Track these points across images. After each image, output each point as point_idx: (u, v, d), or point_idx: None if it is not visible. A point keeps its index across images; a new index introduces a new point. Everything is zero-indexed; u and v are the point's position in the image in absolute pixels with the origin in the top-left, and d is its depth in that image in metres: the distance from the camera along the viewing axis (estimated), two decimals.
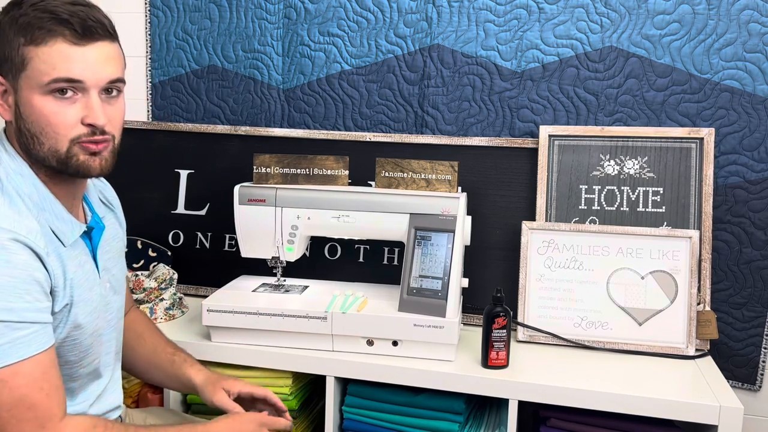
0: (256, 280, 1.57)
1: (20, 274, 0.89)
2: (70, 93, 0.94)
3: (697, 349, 1.41)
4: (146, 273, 1.59)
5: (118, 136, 1.02)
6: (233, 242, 1.74)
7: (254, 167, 1.49)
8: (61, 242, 0.99)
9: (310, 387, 1.50)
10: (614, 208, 1.54)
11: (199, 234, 1.77)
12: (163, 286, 1.58)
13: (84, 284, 1.02)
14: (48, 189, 0.99)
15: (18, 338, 0.89)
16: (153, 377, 1.29)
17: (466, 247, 1.42)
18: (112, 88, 0.99)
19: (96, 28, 0.94)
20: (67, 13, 0.92)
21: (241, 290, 1.50)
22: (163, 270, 1.59)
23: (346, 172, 1.49)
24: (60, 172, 0.98)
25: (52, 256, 0.95)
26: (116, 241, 1.17)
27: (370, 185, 1.63)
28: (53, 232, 0.97)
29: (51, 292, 0.95)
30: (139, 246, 1.74)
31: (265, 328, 1.38)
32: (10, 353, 0.88)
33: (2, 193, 0.93)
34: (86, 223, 1.08)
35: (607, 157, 1.55)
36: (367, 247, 1.68)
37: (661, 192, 1.52)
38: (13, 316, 0.88)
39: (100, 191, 1.19)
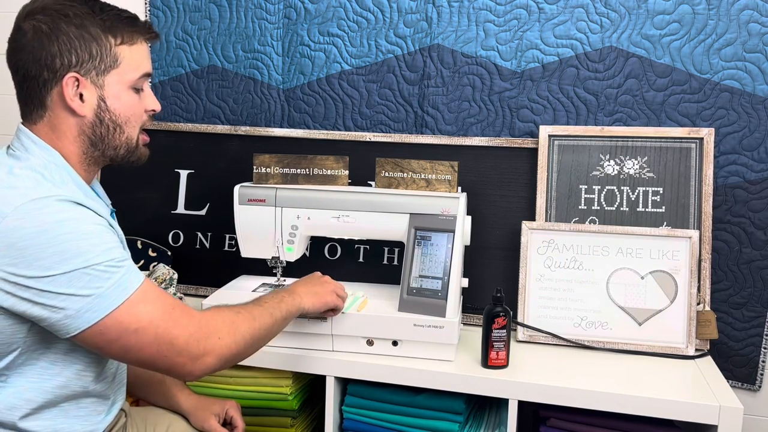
0: (256, 280, 1.57)
1: (99, 221, 0.96)
2: (142, 87, 1.08)
3: (696, 349, 1.41)
4: (146, 273, 1.59)
5: None
6: (233, 242, 1.74)
7: (254, 167, 1.50)
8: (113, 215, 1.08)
9: (310, 387, 1.50)
10: (614, 208, 1.54)
11: (199, 234, 1.77)
12: (163, 286, 1.58)
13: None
14: (80, 176, 1.05)
15: (126, 271, 0.95)
16: (139, 392, 1.32)
17: (466, 247, 1.42)
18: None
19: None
20: (136, 17, 1.07)
21: (241, 290, 1.50)
22: (163, 270, 1.59)
23: (346, 172, 1.49)
24: (114, 160, 1.08)
25: (108, 219, 1.01)
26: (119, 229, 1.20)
27: (370, 185, 1.63)
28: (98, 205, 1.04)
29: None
30: (139, 246, 1.74)
31: None
32: (131, 284, 0.95)
33: (45, 179, 0.97)
34: None
35: (607, 157, 1.55)
36: (367, 247, 1.68)
37: (661, 192, 1.52)
38: (116, 254, 0.95)
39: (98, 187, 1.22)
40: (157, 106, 1.11)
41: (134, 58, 1.05)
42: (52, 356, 0.99)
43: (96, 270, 0.91)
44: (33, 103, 1.02)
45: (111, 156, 1.08)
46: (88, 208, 0.96)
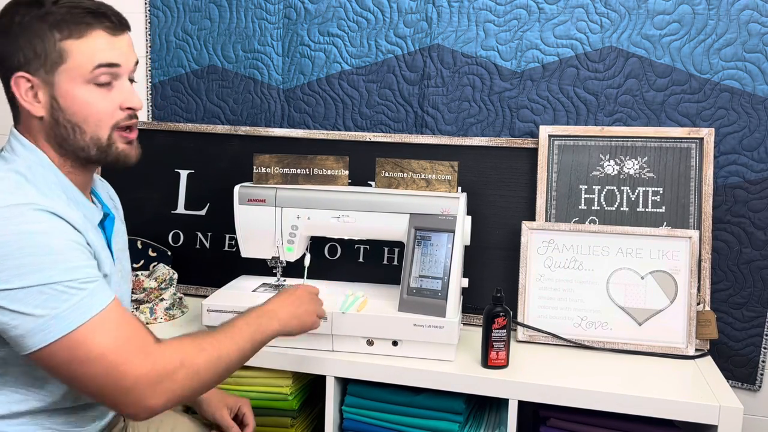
0: (256, 280, 1.57)
1: (72, 236, 0.92)
2: (108, 81, 1.00)
3: (696, 349, 1.41)
4: (146, 273, 1.59)
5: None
6: (233, 242, 1.74)
7: (254, 167, 1.50)
8: (89, 221, 1.03)
9: (310, 387, 1.50)
10: (614, 208, 1.54)
11: (199, 234, 1.77)
12: (163, 286, 1.58)
13: (106, 269, 1.04)
14: (68, 179, 1.02)
15: (88, 294, 0.89)
16: None
17: (466, 247, 1.42)
18: (132, 77, 1.05)
19: (125, 22, 1.03)
20: (98, 8, 1.00)
21: (241, 290, 1.50)
22: (163, 270, 1.59)
23: (346, 172, 1.49)
24: (95, 162, 1.03)
25: (89, 232, 0.98)
26: (122, 235, 1.19)
27: (370, 185, 1.63)
28: (83, 215, 1.01)
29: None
30: (139, 246, 1.74)
31: None
32: (90, 308, 0.89)
33: (28, 182, 0.94)
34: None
35: (607, 157, 1.55)
36: (367, 247, 1.68)
37: (661, 192, 1.52)
38: (80, 274, 0.89)
39: (103, 187, 1.21)
40: (132, 103, 1.02)
41: (84, 51, 0.97)
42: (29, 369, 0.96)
43: (53, 289, 0.86)
44: (10, 104, 1.02)
45: (85, 157, 1.01)
46: (66, 221, 0.92)
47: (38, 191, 0.93)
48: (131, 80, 1.05)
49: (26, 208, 0.89)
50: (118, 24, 1.01)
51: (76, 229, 0.94)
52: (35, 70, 0.97)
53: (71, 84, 0.98)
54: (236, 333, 1.05)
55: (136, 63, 1.06)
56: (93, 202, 1.12)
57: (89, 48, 0.98)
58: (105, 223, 1.10)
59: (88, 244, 0.96)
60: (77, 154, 1.01)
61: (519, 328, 1.47)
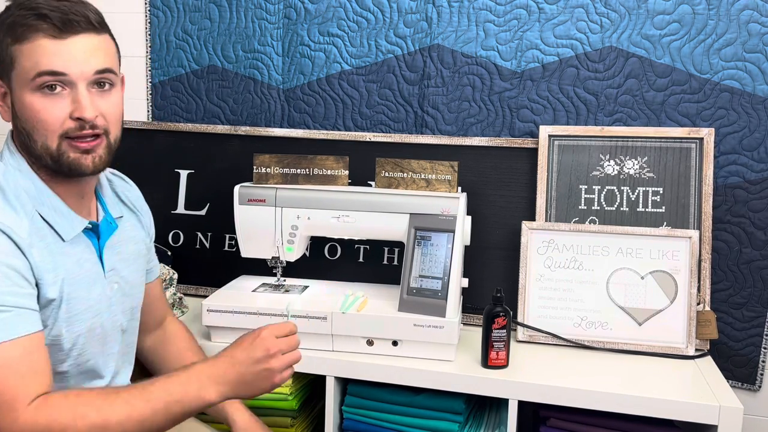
0: (256, 280, 1.57)
1: (3, 258, 0.89)
2: (58, 88, 0.94)
3: (696, 349, 1.41)
4: None
5: (114, 132, 1.01)
6: (233, 242, 1.74)
7: (254, 167, 1.50)
8: (60, 237, 0.99)
9: (310, 387, 1.50)
10: (614, 208, 1.54)
11: (199, 234, 1.77)
12: (163, 286, 1.58)
13: (81, 282, 1.02)
14: (49, 186, 1.00)
15: None
16: None
17: (466, 247, 1.42)
18: (104, 81, 0.98)
19: (78, 21, 0.94)
20: (48, 8, 0.93)
21: (241, 290, 1.50)
22: (163, 270, 1.59)
23: (346, 172, 1.49)
24: (55, 171, 0.99)
25: (37, 249, 0.95)
26: (133, 244, 1.16)
27: (370, 185, 1.63)
28: (51, 226, 0.98)
29: (37, 284, 0.94)
30: None
31: None
32: None
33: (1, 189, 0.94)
34: (97, 221, 1.08)
35: (607, 157, 1.55)
36: (367, 247, 1.68)
37: (661, 192, 1.52)
38: None
39: (123, 192, 1.19)
40: (82, 112, 0.94)
41: (28, 56, 0.93)
42: None
43: None
44: None
45: (45, 166, 0.98)
46: (8, 236, 0.90)
47: (2, 198, 0.93)
48: (101, 85, 0.98)
49: None
50: (61, 27, 0.93)
51: (18, 246, 0.91)
52: (2, 75, 0.97)
53: (21, 91, 0.95)
54: (143, 402, 0.92)
55: (103, 71, 0.97)
56: (98, 208, 1.10)
57: (32, 54, 0.93)
58: (101, 232, 1.08)
59: (27, 260, 0.92)
60: (40, 162, 0.98)
61: (519, 328, 1.47)
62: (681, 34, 1.54)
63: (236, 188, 1.47)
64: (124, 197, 1.19)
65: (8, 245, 0.91)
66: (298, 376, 1.42)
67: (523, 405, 1.27)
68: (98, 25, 0.98)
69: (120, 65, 1.04)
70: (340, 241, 1.68)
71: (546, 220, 1.55)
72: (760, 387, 1.54)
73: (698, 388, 1.24)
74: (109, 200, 1.14)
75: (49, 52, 0.93)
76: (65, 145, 0.96)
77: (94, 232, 1.07)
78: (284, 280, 1.55)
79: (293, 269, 1.56)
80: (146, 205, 1.26)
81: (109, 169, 1.18)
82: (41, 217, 0.98)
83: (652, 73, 1.56)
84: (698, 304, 1.43)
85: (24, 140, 0.98)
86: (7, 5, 0.97)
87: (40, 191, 0.99)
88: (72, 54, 0.94)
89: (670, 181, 1.51)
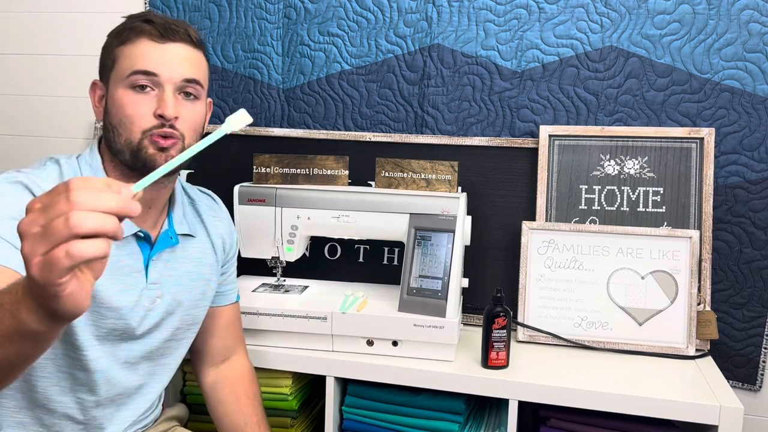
0: (256, 280, 1.57)
1: (14, 203, 0.91)
2: (147, 88, 1.01)
3: (697, 349, 1.41)
4: None
5: (189, 139, 1.05)
6: None
7: (254, 167, 1.49)
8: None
9: (310, 387, 1.50)
10: (614, 208, 1.54)
11: None
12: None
13: (113, 281, 1.02)
14: None
15: None
16: None
17: (466, 247, 1.42)
18: (190, 91, 1.05)
19: (178, 32, 1.04)
20: (154, 17, 1.04)
21: (241, 290, 1.49)
22: None
23: (346, 172, 1.49)
24: (132, 168, 1.03)
25: None
26: (193, 265, 1.16)
27: (370, 185, 1.63)
28: None
29: None
30: None
31: (265, 329, 1.38)
32: None
33: (54, 172, 1.00)
34: (155, 232, 1.10)
35: (608, 157, 1.55)
36: (367, 247, 1.68)
37: (662, 192, 1.52)
38: None
39: (207, 212, 1.21)
40: (164, 110, 1.00)
41: (128, 56, 1.02)
42: None
43: None
44: None
45: (123, 162, 1.03)
46: (29, 190, 0.94)
47: (54, 173, 1.00)
48: (188, 94, 1.05)
49: (3, 180, 0.94)
50: (163, 33, 1.02)
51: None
52: (104, 79, 1.06)
53: (115, 87, 1.03)
54: None
55: (191, 80, 1.04)
56: (163, 222, 1.11)
57: (132, 54, 1.01)
58: (156, 243, 1.09)
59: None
60: (119, 159, 1.03)
61: (519, 328, 1.47)
62: (681, 33, 1.54)
63: (236, 188, 1.47)
64: (205, 215, 1.20)
65: (22, 195, 0.94)
66: (297, 376, 1.42)
67: (523, 405, 1.27)
68: (196, 41, 1.07)
69: (208, 85, 1.11)
70: (340, 241, 1.68)
71: (546, 220, 1.55)
72: (760, 387, 1.54)
73: (698, 388, 1.24)
74: (178, 217, 1.14)
75: (147, 53, 1.01)
76: (146, 141, 1.01)
77: (147, 242, 1.08)
78: (284, 280, 1.55)
79: (293, 269, 1.56)
80: (230, 228, 1.27)
81: (200, 188, 1.25)
82: None
83: (653, 73, 1.56)
84: (699, 304, 1.43)
85: (109, 136, 1.03)
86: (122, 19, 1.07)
87: None
88: (166, 58, 1.02)
89: (670, 181, 1.51)
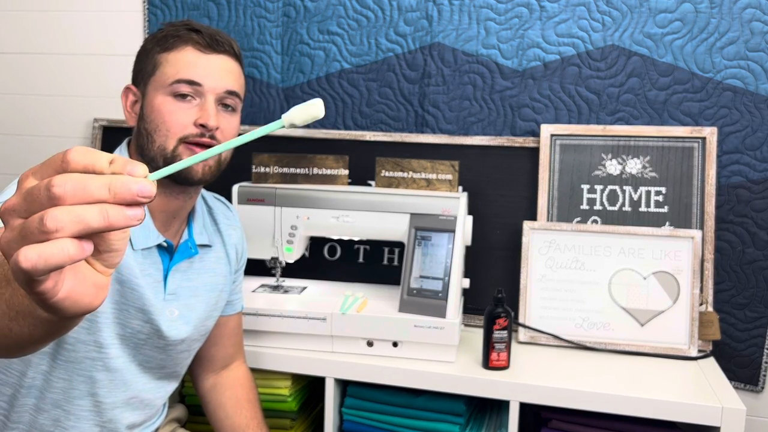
0: (255, 281, 1.56)
1: None
2: (189, 97, 1.02)
3: (699, 350, 1.40)
4: None
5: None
6: None
7: (253, 166, 1.48)
8: (131, 243, 1.00)
9: (310, 388, 1.49)
10: (616, 208, 1.53)
11: None
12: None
13: (138, 286, 1.01)
14: None
15: None
16: None
17: (466, 247, 1.41)
18: (229, 103, 1.06)
19: (222, 43, 1.04)
20: (199, 26, 1.04)
21: None
22: None
23: (346, 172, 1.48)
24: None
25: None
26: (209, 276, 1.15)
27: (370, 185, 1.62)
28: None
29: None
30: None
31: (264, 329, 1.37)
32: None
33: None
34: (177, 242, 1.09)
35: (609, 156, 1.54)
36: (367, 247, 1.67)
37: (664, 192, 1.51)
38: None
39: (222, 220, 1.20)
40: (207, 120, 1.00)
41: (173, 63, 1.02)
42: None
43: None
44: None
45: (157, 169, 1.01)
46: None
47: None
48: (226, 106, 1.05)
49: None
50: (209, 43, 1.02)
51: None
52: (138, 83, 1.05)
53: (154, 93, 1.02)
54: None
55: (232, 92, 1.05)
56: (183, 233, 1.11)
57: (177, 61, 1.02)
58: (176, 253, 1.08)
59: None
60: (151, 165, 1.00)
61: (520, 329, 1.46)
62: (683, 32, 1.53)
63: (235, 187, 1.46)
64: (222, 224, 1.20)
65: None
66: (297, 378, 1.42)
67: (524, 407, 1.26)
68: (238, 54, 1.07)
69: (243, 100, 1.10)
70: (340, 241, 1.67)
71: (547, 220, 1.54)
72: (762, 388, 1.53)
73: (701, 389, 1.23)
74: (198, 227, 1.14)
75: (192, 62, 1.02)
76: (181, 148, 1.01)
77: (168, 252, 1.07)
78: (283, 281, 1.54)
79: (292, 270, 1.55)
80: (242, 236, 1.27)
81: (214, 195, 1.24)
82: None
83: (655, 72, 1.55)
84: (701, 304, 1.42)
85: (142, 142, 1.03)
86: (161, 26, 1.08)
87: None
88: (211, 68, 1.03)
89: (672, 181, 1.50)
